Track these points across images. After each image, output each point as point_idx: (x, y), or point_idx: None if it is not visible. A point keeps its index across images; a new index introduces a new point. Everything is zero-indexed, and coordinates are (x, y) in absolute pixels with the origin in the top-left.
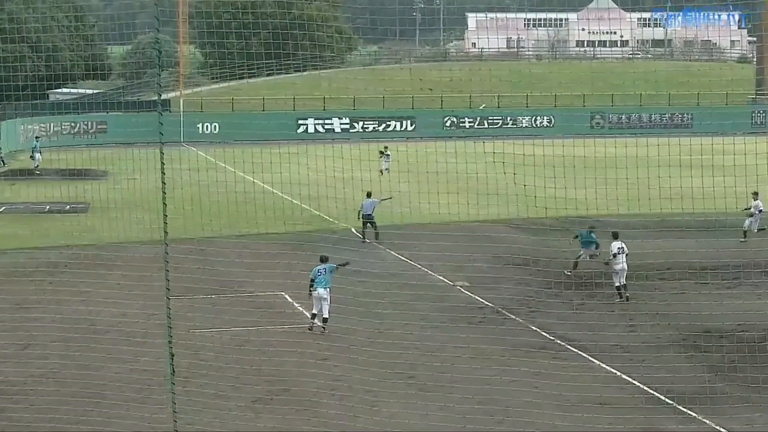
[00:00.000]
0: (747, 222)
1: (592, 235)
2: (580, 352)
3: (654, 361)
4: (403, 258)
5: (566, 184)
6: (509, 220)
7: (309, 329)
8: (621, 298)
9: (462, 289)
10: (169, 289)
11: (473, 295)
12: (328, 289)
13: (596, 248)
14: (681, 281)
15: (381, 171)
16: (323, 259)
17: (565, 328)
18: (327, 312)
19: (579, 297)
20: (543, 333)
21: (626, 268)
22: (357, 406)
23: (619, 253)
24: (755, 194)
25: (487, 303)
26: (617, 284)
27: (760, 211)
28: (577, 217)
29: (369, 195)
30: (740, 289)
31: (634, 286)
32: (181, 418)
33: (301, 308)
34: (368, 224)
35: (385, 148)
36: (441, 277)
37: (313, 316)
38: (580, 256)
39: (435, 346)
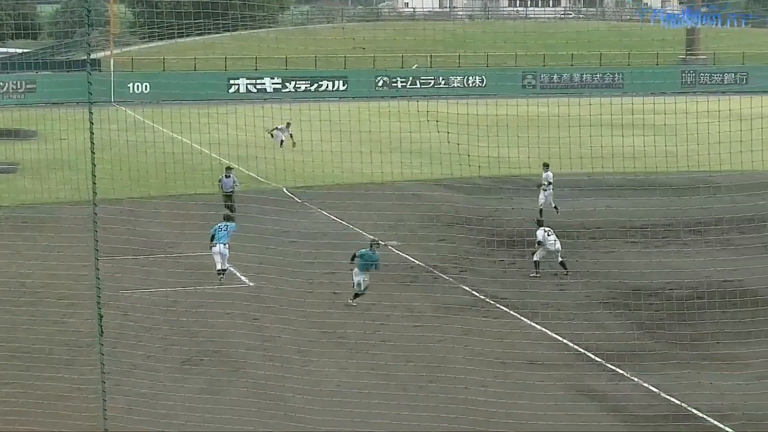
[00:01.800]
0: (541, 198)
1: (375, 255)
2: (510, 311)
3: (583, 319)
4: (334, 218)
5: (499, 144)
6: (442, 180)
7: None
8: (537, 272)
9: (394, 249)
10: (98, 250)
11: (405, 255)
12: (226, 245)
13: (376, 269)
14: (610, 240)
15: (279, 138)
16: (227, 218)
17: (496, 286)
18: (225, 264)
19: (510, 256)
20: (474, 292)
21: (560, 248)
22: (287, 366)
23: (548, 235)
24: (545, 165)
25: (418, 262)
26: (536, 259)
27: (549, 183)
28: (510, 176)
29: (228, 172)
30: (669, 248)
31: (565, 245)
32: (109, 378)
33: (233, 269)
34: (228, 201)
35: (288, 125)
36: (373, 237)
37: (219, 272)
38: (359, 284)
39: (366, 305)
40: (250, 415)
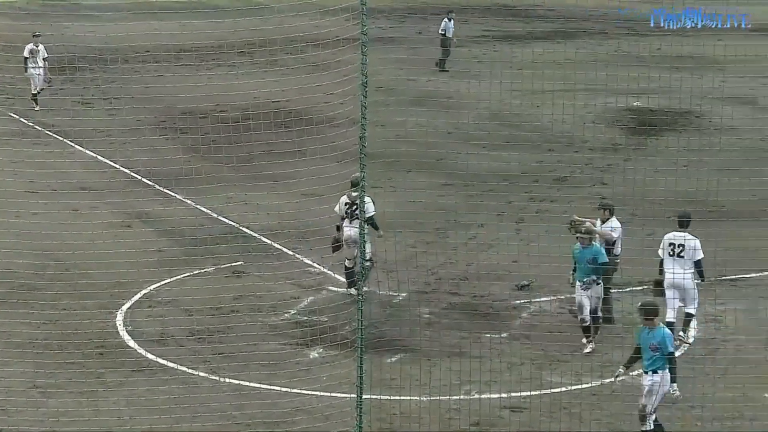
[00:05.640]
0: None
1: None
2: (60, 138)
3: (135, 144)
4: None
5: None
6: None
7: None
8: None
9: None
10: None
11: None
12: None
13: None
14: (160, 63)
15: None
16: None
17: (45, 114)
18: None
19: (66, 82)
20: (22, 120)
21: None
22: None
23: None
24: (35, 34)
25: None
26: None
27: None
28: None
29: None
30: (219, 70)
31: (116, 70)
32: None
33: None
34: None
35: None
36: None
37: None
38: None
39: None
40: None
